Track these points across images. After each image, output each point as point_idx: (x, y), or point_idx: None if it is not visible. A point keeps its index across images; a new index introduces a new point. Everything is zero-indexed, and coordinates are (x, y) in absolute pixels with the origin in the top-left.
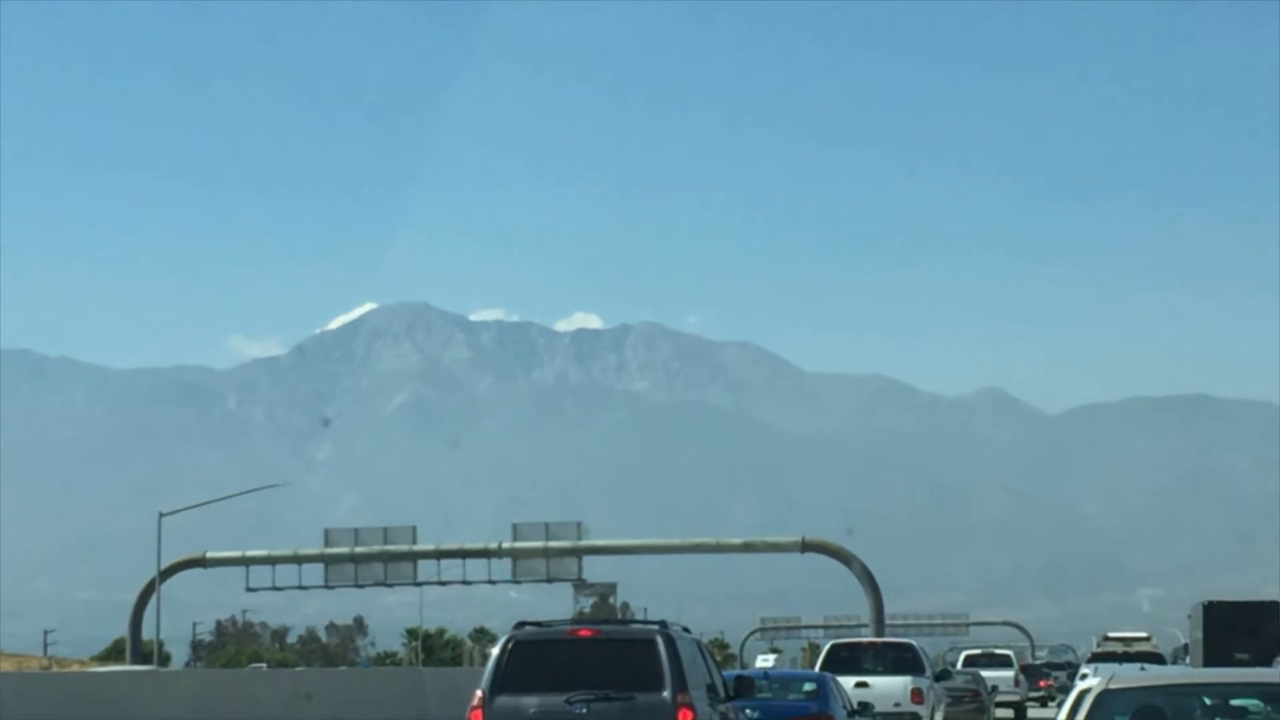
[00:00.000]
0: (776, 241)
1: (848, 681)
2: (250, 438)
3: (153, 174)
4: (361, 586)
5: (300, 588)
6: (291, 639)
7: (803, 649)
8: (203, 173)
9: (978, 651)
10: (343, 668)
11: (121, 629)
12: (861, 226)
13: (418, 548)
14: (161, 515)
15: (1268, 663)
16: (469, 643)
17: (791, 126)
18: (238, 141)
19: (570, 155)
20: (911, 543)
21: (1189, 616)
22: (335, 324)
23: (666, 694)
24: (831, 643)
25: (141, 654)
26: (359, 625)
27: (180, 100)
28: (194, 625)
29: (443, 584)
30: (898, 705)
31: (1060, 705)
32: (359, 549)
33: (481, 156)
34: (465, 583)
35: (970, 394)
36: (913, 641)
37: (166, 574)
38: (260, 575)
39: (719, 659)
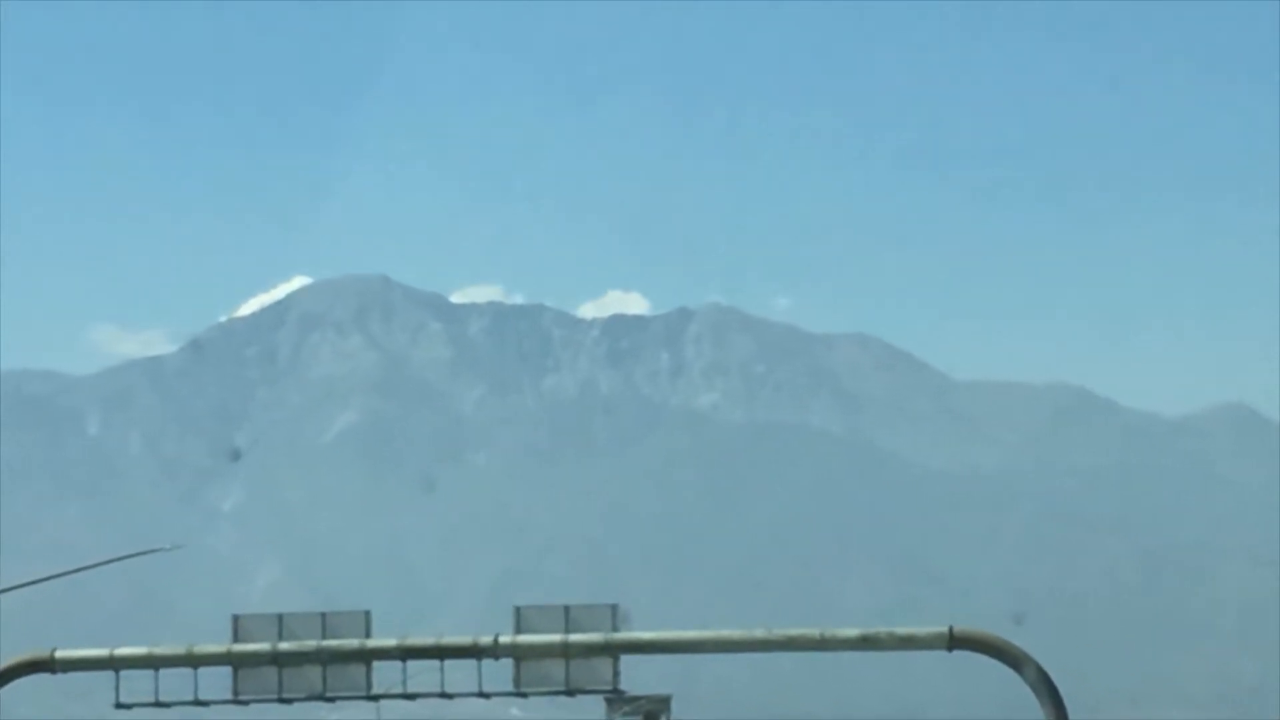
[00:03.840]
0: (909, 189)
1: None
2: (122, 477)
3: None
4: (289, 701)
5: (197, 703)
6: None
7: None
8: (51, 86)
9: None
10: None
11: None
12: (1037, 167)
13: (373, 643)
14: None
15: None
16: None
17: (927, 13)
18: (103, 40)
19: (600, 58)
20: (1113, 635)
21: None
22: (248, 308)
23: None
24: None
25: None
26: None
27: None
28: None
29: (409, 697)
30: None
31: None
32: (285, 645)
33: (466, 59)
34: (444, 695)
35: (1201, 413)
36: None
37: None
38: (137, 684)
39: None
